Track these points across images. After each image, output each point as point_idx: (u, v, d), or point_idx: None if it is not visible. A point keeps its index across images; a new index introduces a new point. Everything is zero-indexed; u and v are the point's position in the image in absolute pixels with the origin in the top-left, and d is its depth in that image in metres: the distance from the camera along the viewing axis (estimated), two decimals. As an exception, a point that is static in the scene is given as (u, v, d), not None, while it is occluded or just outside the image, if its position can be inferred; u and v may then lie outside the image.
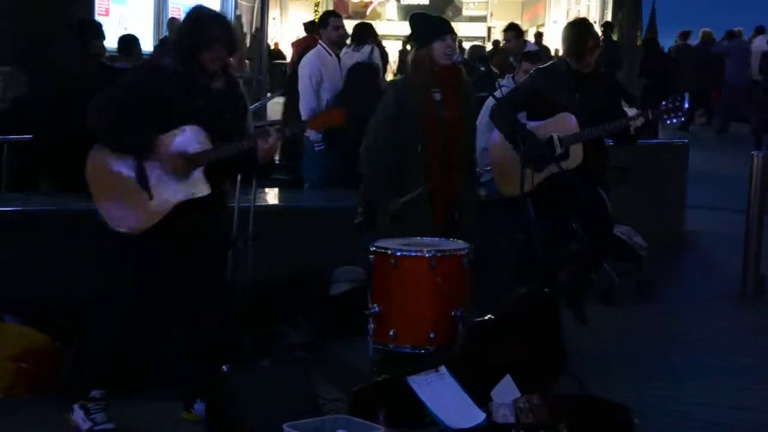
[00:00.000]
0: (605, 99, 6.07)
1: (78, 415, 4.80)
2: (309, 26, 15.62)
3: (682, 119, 7.25)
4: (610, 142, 6.41)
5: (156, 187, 4.73)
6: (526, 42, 13.26)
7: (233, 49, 4.84)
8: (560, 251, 6.31)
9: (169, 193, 4.73)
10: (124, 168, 4.75)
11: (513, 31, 11.71)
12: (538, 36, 25.11)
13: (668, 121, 6.03)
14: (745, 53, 18.61)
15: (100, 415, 4.79)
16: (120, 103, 4.70)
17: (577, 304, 6.34)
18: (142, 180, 4.73)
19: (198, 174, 4.73)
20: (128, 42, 10.21)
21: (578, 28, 6.32)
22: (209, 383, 4.73)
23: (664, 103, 6.09)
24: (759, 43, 18.97)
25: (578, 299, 6.38)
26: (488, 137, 6.46)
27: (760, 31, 19.80)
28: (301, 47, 11.53)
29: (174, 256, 4.79)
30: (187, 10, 5.21)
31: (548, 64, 6.62)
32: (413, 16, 5.92)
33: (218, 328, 4.97)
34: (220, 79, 4.82)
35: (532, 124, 6.10)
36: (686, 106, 6.30)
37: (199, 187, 4.74)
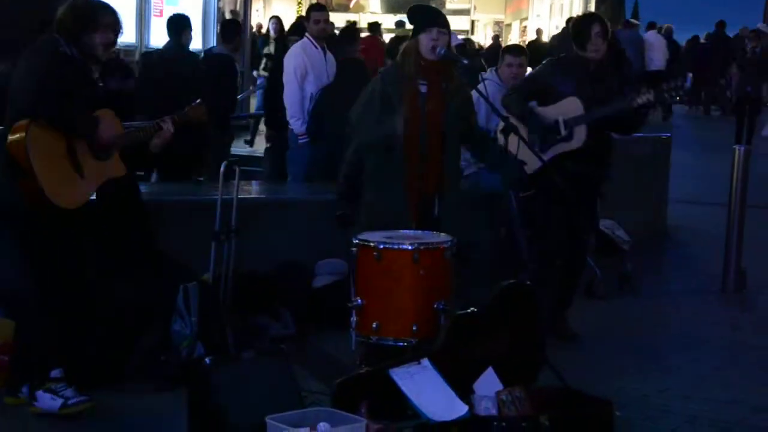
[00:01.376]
0: (613, 88, 6.10)
1: (44, 399, 4.78)
2: (373, 27, 15.77)
3: (685, 97, 7.37)
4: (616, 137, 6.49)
5: (86, 166, 4.90)
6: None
7: (116, 35, 5.10)
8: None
9: (96, 172, 4.93)
10: (60, 148, 4.85)
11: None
12: (539, 32, 25.51)
13: (669, 99, 6.10)
14: (640, 43, 19.99)
15: (69, 391, 4.80)
16: (61, 88, 4.81)
17: (559, 324, 6.41)
18: (75, 160, 4.87)
19: (116, 156, 5.02)
20: (230, 29, 10.18)
21: (581, 19, 6.51)
22: (189, 376, 4.74)
23: (664, 83, 6.18)
24: (653, 37, 20.53)
25: (560, 318, 6.45)
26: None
27: (652, 26, 21.69)
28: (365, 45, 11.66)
29: (95, 237, 5.01)
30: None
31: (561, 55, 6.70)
32: (411, 8, 5.93)
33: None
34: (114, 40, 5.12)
35: (539, 109, 6.23)
36: (688, 84, 6.41)
37: (117, 168, 5.03)
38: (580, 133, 6.12)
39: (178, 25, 9.11)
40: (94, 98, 5.00)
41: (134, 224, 5.11)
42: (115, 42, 5.13)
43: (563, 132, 6.12)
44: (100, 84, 5.30)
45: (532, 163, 5.97)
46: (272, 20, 16.73)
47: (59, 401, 4.76)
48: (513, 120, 5.98)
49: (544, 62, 6.55)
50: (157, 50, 10.49)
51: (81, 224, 4.90)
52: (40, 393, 4.80)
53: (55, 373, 4.82)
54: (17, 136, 4.74)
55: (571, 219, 6.40)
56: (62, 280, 4.86)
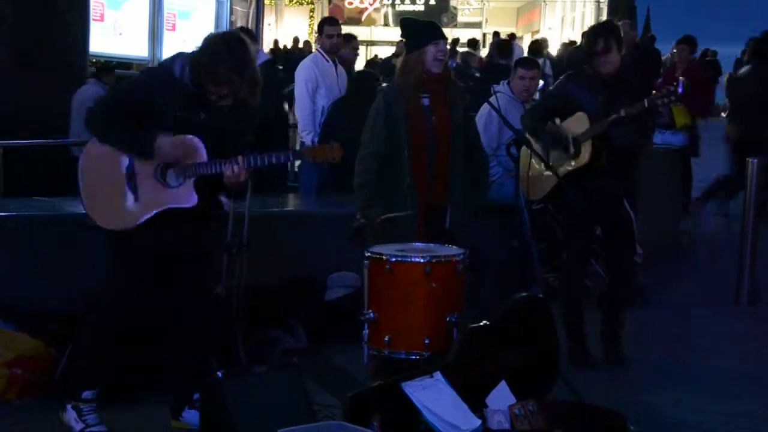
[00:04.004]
0: (625, 102, 6.01)
1: (71, 415, 4.81)
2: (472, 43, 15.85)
3: (676, 103, 7.23)
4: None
5: (143, 190, 4.71)
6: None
7: (232, 91, 4.65)
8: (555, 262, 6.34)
9: (155, 198, 4.71)
10: (116, 167, 4.73)
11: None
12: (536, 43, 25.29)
13: (661, 107, 5.99)
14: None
15: (92, 417, 4.81)
16: (125, 104, 4.68)
17: (613, 346, 6.31)
18: (132, 181, 4.72)
19: (188, 184, 4.68)
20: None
21: (589, 32, 6.41)
22: (200, 391, 4.73)
23: (656, 91, 6.13)
24: None
25: (615, 340, 6.33)
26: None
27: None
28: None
29: (153, 262, 4.79)
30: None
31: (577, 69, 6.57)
32: (404, 20, 5.90)
33: (200, 338, 4.96)
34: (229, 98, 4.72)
35: (552, 126, 6.17)
36: (680, 90, 6.31)
37: (185, 197, 4.69)
38: (586, 150, 6.04)
39: None
40: (190, 124, 4.65)
41: (192, 252, 4.89)
42: (227, 96, 4.67)
43: (571, 150, 6.06)
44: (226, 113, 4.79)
45: (544, 184, 5.97)
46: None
47: (81, 425, 4.79)
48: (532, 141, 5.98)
49: (561, 78, 6.50)
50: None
51: (144, 242, 4.74)
52: (69, 407, 4.83)
53: (86, 394, 4.82)
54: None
55: (605, 236, 6.35)
56: (130, 299, 4.81)
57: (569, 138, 6.03)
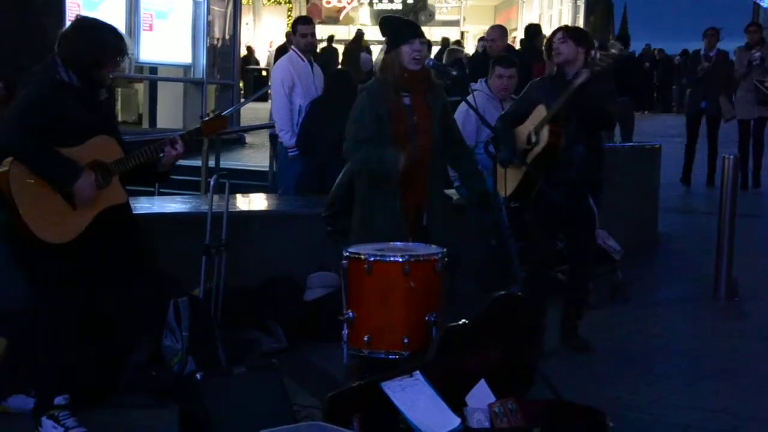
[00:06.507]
0: (588, 102, 6.07)
1: (47, 426, 4.76)
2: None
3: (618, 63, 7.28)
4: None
5: (79, 197, 4.71)
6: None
7: (123, 58, 4.89)
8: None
9: (91, 203, 4.74)
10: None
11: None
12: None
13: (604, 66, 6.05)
14: None
15: (71, 420, 4.77)
16: (34, 123, 4.62)
17: (571, 337, 6.44)
18: (66, 191, 4.70)
19: (116, 182, 4.82)
20: None
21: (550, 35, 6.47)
22: (179, 393, 4.72)
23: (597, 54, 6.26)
24: None
25: (572, 331, 6.48)
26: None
27: None
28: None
29: (91, 262, 4.81)
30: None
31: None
32: (383, 19, 5.90)
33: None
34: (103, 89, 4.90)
35: (517, 129, 6.29)
36: (625, 50, 6.28)
37: (118, 194, 4.86)
38: (544, 134, 6.12)
39: None
40: (92, 125, 4.77)
41: (125, 239, 5.00)
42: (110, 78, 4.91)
43: (533, 139, 6.14)
44: (107, 105, 5.05)
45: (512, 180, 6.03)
46: None
47: (60, 430, 4.74)
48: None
49: (530, 83, 6.59)
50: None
51: (81, 247, 4.75)
52: (44, 419, 4.78)
53: (59, 399, 4.79)
54: (2, 169, 4.62)
55: (567, 230, 6.43)
56: (68, 305, 4.77)
57: (531, 132, 6.16)
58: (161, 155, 4.92)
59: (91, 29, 4.89)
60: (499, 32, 10.58)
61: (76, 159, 4.70)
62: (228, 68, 17.15)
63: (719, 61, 13.69)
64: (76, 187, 4.66)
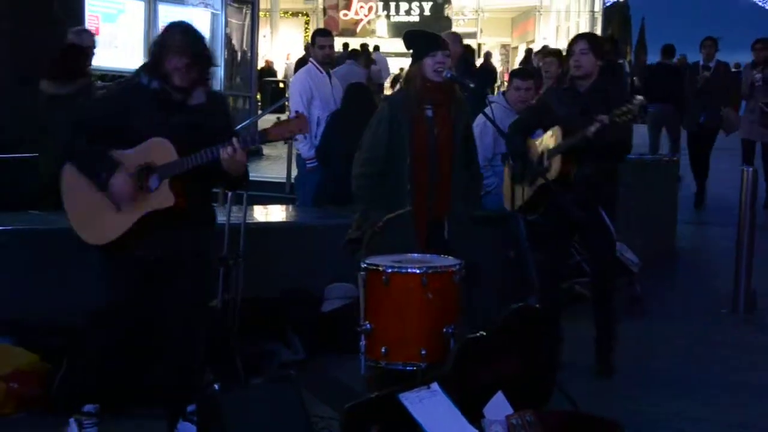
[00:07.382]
0: (602, 111, 5.98)
1: (72, 428, 4.80)
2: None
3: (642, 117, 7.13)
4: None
5: (113, 195, 4.66)
6: None
7: (192, 57, 4.65)
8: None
9: (135, 204, 4.66)
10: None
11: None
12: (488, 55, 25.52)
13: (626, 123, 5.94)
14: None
15: (93, 430, 4.81)
16: (83, 119, 4.70)
17: (604, 359, 6.30)
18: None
19: (164, 185, 4.64)
20: None
21: (571, 40, 6.41)
22: (195, 403, 4.71)
23: (615, 108, 6.04)
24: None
25: (607, 353, 6.32)
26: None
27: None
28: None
29: (142, 270, 4.74)
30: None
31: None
32: (407, 33, 5.94)
33: (188, 349, 4.87)
34: (200, 94, 4.75)
35: (531, 142, 6.26)
36: (646, 106, 6.11)
37: (164, 198, 4.65)
38: (556, 164, 6.06)
39: None
40: (160, 128, 4.62)
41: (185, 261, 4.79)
42: (191, 66, 4.64)
43: (545, 163, 6.11)
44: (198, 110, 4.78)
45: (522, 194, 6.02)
46: None
47: None
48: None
49: (543, 91, 6.56)
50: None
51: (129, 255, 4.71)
52: (71, 420, 4.83)
53: (89, 407, 4.82)
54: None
55: (584, 240, 6.39)
56: (114, 311, 4.78)
57: (545, 154, 6.11)
58: (221, 157, 4.61)
59: (164, 29, 4.79)
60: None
61: (128, 161, 4.63)
62: (246, 80, 17.21)
63: (719, 71, 13.44)
64: (110, 184, 4.61)
